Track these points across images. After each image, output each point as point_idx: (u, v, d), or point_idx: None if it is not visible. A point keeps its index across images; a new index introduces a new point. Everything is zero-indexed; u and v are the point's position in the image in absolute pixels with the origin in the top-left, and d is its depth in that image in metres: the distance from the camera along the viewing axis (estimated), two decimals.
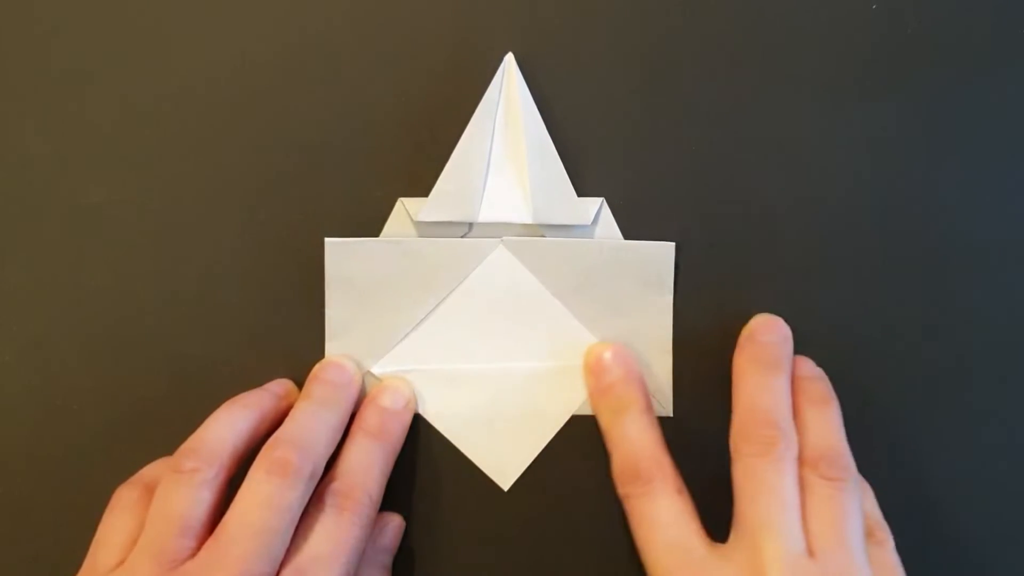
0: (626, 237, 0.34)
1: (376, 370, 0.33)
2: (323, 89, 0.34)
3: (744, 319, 0.34)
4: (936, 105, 0.35)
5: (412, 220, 0.33)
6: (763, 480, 0.29)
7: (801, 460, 0.30)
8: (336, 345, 0.33)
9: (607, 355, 0.33)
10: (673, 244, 0.34)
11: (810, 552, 0.28)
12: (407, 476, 0.34)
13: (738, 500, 0.29)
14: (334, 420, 0.31)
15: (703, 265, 0.34)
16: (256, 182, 0.33)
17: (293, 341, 0.33)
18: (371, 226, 0.33)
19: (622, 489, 0.30)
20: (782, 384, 0.32)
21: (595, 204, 0.34)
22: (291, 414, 0.30)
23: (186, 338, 0.33)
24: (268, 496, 0.27)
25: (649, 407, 0.32)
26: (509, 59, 0.33)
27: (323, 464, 0.29)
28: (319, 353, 0.33)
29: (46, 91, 0.33)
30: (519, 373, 0.34)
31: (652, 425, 0.31)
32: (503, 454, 0.34)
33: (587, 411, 0.33)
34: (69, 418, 0.33)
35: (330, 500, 0.29)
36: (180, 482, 0.28)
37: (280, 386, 0.32)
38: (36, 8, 0.33)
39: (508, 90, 0.33)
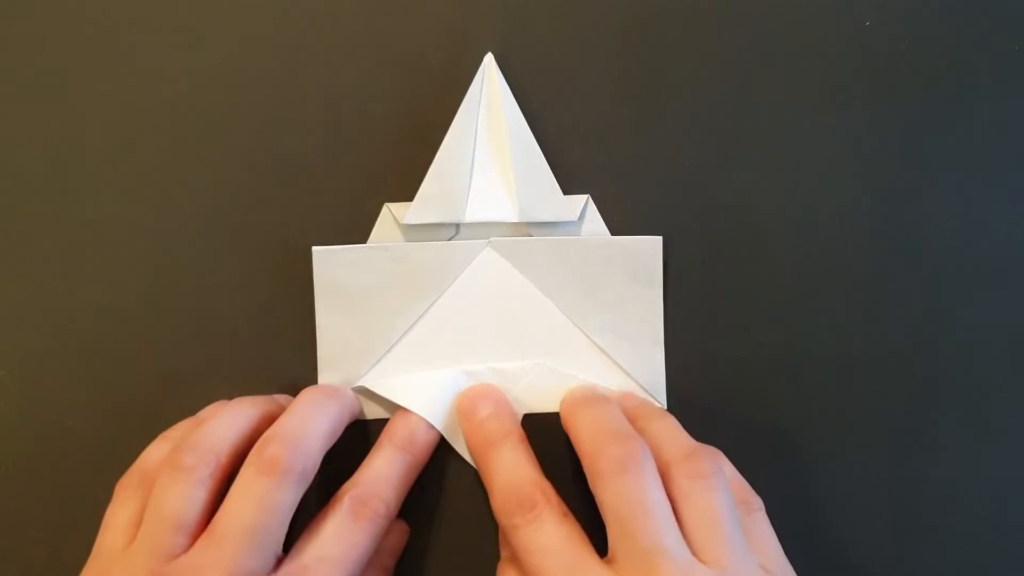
0: (613, 233, 0.34)
1: (371, 376, 0.33)
2: (304, 99, 0.34)
3: (733, 310, 0.34)
4: (928, 120, 0.35)
5: (399, 224, 0.33)
6: (636, 498, 0.27)
7: (660, 465, 0.29)
8: (328, 353, 0.33)
9: (474, 393, 0.33)
10: (660, 238, 0.34)
11: (696, 555, 0.27)
12: None
13: (614, 522, 0.27)
14: (331, 415, 0.31)
15: (691, 257, 0.35)
16: (244, 193, 0.34)
17: (286, 352, 0.33)
18: (358, 233, 0.33)
19: (507, 520, 0.29)
20: (614, 407, 0.31)
21: (581, 201, 0.34)
22: (288, 409, 0.30)
23: (180, 352, 0.33)
24: (258, 495, 0.27)
25: (524, 439, 0.31)
26: (489, 59, 0.33)
27: (318, 460, 0.29)
28: (312, 362, 0.33)
29: (39, 106, 0.33)
30: (510, 372, 0.34)
31: (529, 455, 0.31)
32: None
33: None
34: (63, 433, 0.33)
35: (347, 505, 0.29)
36: (177, 480, 0.28)
37: (287, 398, 0.33)
38: (29, 24, 0.33)
39: (489, 90, 0.33)
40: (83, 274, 0.33)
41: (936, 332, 0.35)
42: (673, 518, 0.27)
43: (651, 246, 0.34)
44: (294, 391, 0.33)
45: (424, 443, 0.32)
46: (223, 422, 0.30)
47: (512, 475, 0.30)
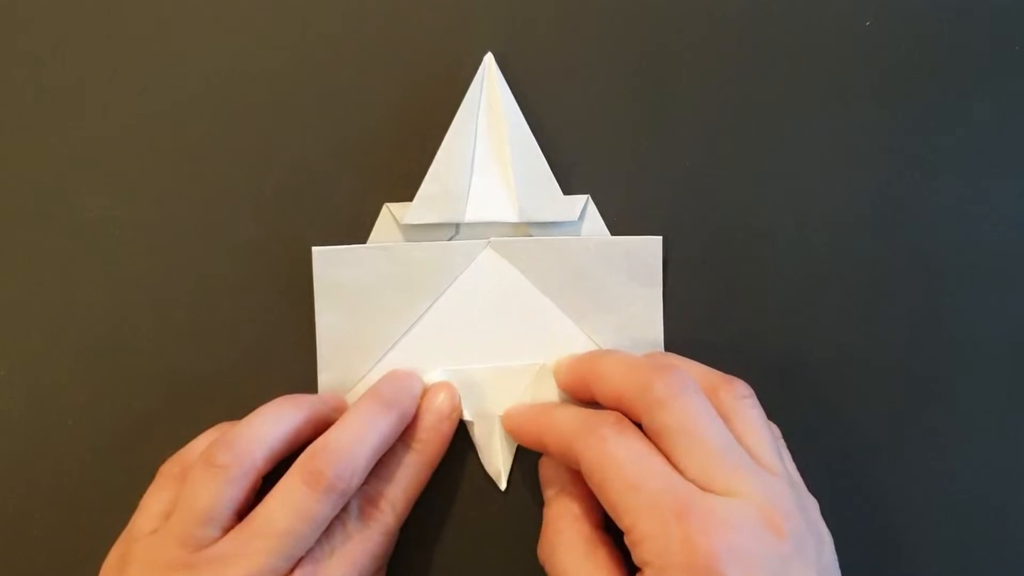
0: (613, 233, 0.34)
1: (371, 377, 0.33)
2: (304, 99, 0.34)
3: (733, 310, 0.34)
4: (928, 120, 0.35)
5: (399, 224, 0.33)
6: (700, 413, 0.28)
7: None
8: (328, 353, 0.33)
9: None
10: (660, 238, 0.34)
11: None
12: None
13: (682, 439, 0.28)
14: (383, 430, 0.30)
15: (691, 257, 0.35)
16: (244, 193, 0.33)
17: (286, 352, 0.33)
18: (358, 233, 0.33)
19: (591, 435, 0.28)
20: (628, 352, 0.32)
21: (580, 201, 0.34)
22: (345, 415, 0.30)
23: (180, 352, 0.33)
24: (298, 504, 0.28)
25: None
26: (489, 59, 0.33)
27: (364, 475, 0.29)
28: (312, 362, 0.33)
29: (42, 105, 0.33)
30: (510, 372, 0.34)
31: None
32: (498, 454, 0.34)
33: None
34: (63, 433, 0.33)
35: (354, 504, 0.30)
36: (209, 475, 0.28)
37: (334, 398, 0.33)
38: (33, 22, 0.33)
39: (489, 90, 0.33)
40: (83, 274, 0.33)
41: (936, 332, 0.35)
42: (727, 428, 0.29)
43: (651, 246, 0.34)
44: (294, 391, 0.33)
45: (435, 440, 0.32)
46: (263, 422, 0.30)
47: (584, 411, 0.30)
